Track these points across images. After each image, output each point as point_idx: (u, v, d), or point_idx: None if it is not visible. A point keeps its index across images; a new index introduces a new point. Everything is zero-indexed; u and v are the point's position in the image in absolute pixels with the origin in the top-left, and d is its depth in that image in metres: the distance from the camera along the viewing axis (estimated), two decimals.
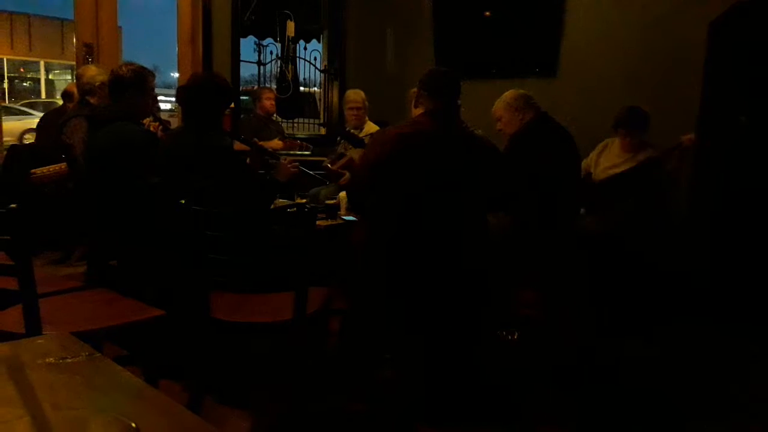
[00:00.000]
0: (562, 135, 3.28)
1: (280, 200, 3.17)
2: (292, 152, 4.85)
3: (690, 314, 3.39)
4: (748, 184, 3.53)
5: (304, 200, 3.39)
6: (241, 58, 5.33)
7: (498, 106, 3.38)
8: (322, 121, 6.33)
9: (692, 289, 3.47)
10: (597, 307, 3.17)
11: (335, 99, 5.95)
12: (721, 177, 3.78)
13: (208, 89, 2.70)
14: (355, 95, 4.42)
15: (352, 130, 4.31)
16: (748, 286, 3.36)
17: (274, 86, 5.93)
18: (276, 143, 4.76)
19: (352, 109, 4.38)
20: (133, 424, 0.67)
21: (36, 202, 3.40)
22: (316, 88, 6.63)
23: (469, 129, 2.83)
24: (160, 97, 3.82)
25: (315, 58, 6.04)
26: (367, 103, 4.38)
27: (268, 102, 4.93)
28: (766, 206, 3.43)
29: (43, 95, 23.18)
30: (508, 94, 3.36)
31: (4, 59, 23.24)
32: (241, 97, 5.69)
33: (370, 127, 4.27)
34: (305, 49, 5.99)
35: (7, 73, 24.06)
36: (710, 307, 3.35)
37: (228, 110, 3.95)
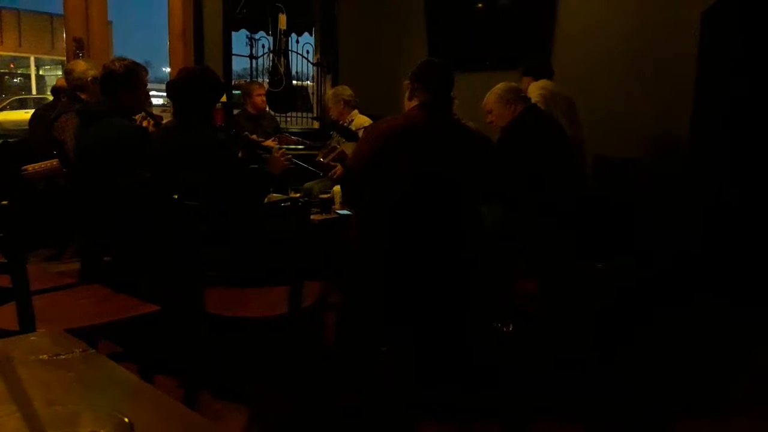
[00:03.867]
0: (552, 126, 3.29)
1: (274, 195, 3.16)
2: (284, 146, 4.82)
3: (684, 304, 3.41)
4: (741, 172, 3.55)
5: (298, 194, 3.38)
6: (233, 52, 5.30)
7: (489, 99, 3.38)
8: (315, 114, 6.31)
9: (687, 280, 3.49)
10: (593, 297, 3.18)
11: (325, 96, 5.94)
12: (714, 166, 3.80)
13: (199, 84, 2.69)
14: (326, 94, 4.46)
15: (343, 123, 4.30)
16: (740, 276, 3.38)
17: (266, 80, 5.89)
18: (269, 144, 4.72)
19: (328, 108, 4.44)
20: (126, 419, 0.67)
21: (28, 198, 3.38)
22: (308, 82, 6.60)
23: (461, 121, 2.83)
24: (151, 92, 3.78)
25: (307, 52, 6.01)
26: (341, 97, 4.34)
27: (259, 98, 4.86)
28: (759, 193, 3.45)
29: (34, 91, 23.00)
30: (499, 87, 3.35)
31: None
32: (234, 92, 5.66)
33: (363, 121, 4.26)
34: (297, 42, 5.96)
35: None
36: (705, 297, 3.38)
37: (220, 104, 3.94)
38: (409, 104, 2.70)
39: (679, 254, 3.73)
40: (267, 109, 5.09)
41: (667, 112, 4.19)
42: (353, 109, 4.37)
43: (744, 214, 3.50)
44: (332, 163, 3.32)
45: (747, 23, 3.56)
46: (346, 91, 4.40)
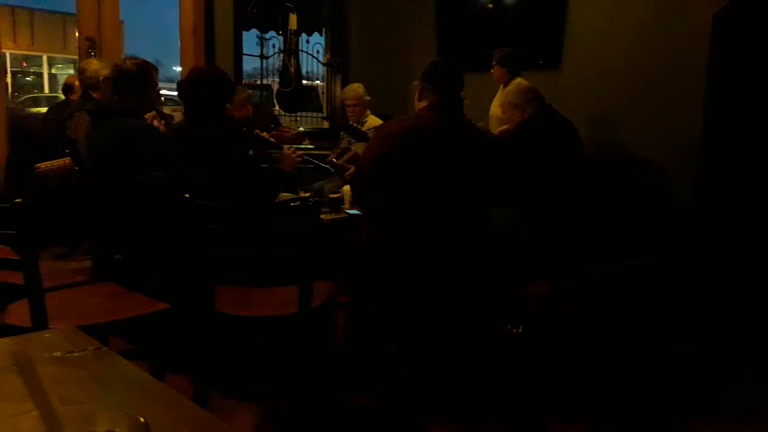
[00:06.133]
0: (563, 127, 3.28)
1: (285, 194, 3.17)
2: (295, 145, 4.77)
3: (693, 306, 3.39)
4: (752, 177, 3.52)
5: (308, 194, 3.39)
6: (244, 52, 5.32)
7: (503, 101, 3.38)
8: (324, 114, 6.32)
9: (695, 283, 3.47)
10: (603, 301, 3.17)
11: (338, 92, 5.94)
12: (724, 169, 3.77)
13: (208, 83, 2.70)
14: (351, 91, 4.40)
15: (354, 124, 4.30)
16: (749, 280, 3.36)
17: (276, 79, 5.91)
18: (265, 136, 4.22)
19: (348, 105, 4.39)
20: (142, 419, 0.67)
21: (41, 196, 3.40)
22: (318, 82, 6.61)
23: (471, 121, 2.82)
24: (162, 91, 3.78)
25: (318, 52, 6.02)
26: (366, 97, 4.35)
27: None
28: None
29: (46, 90, 23.16)
30: (510, 90, 3.36)
31: (7, 54, 23.17)
32: None
33: (373, 121, 4.27)
34: (308, 42, 5.97)
35: (10, 67, 24.05)
36: (712, 300, 3.35)
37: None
38: (419, 105, 2.70)
39: (689, 257, 3.71)
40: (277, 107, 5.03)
41: (679, 114, 4.17)
42: (366, 110, 4.39)
43: (756, 217, 3.48)
44: (346, 165, 3.33)
45: (758, 25, 3.53)
46: (365, 91, 4.39)
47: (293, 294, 2.16)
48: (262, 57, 5.76)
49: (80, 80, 3.73)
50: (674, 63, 4.25)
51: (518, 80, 3.91)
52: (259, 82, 5.99)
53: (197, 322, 2.24)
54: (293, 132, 3.82)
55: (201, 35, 4.99)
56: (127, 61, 2.82)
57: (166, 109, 4.54)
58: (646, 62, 4.39)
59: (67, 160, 3.49)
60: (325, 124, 6.23)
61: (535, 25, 4.98)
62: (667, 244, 3.81)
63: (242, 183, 2.55)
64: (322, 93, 6.42)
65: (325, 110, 6.33)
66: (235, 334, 2.49)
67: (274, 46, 5.79)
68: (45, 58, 24.34)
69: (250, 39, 5.59)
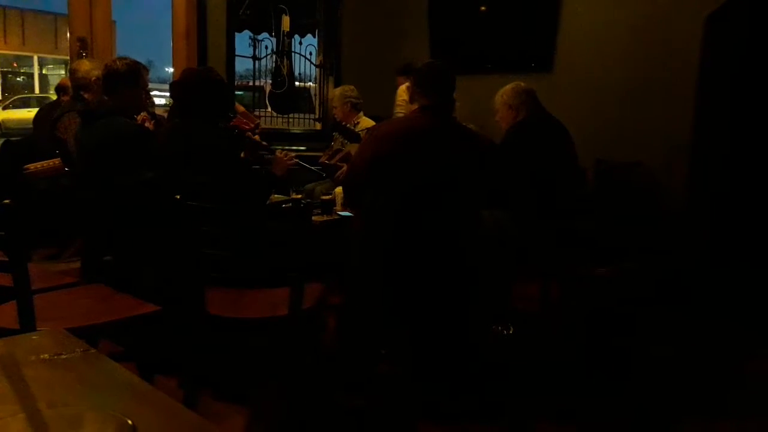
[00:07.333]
0: (556, 129, 3.29)
1: (276, 196, 3.16)
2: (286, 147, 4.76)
3: (686, 309, 3.40)
4: (744, 179, 3.54)
5: (299, 196, 3.38)
6: (236, 53, 5.31)
7: (496, 100, 3.39)
8: (317, 116, 6.31)
9: (689, 284, 3.48)
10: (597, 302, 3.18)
11: (330, 94, 5.93)
12: (717, 172, 3.79)
13: (201, 84, 2.69)
14: (332, 92, 4.42)
15: (347, 124, 4.30)
16: (746, 282, 3.37)
17: (269, 81, 5.90)
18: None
19: (332, 107, 4.42)
20: (130, 422, 0.67)
21: (30, 197, 3.38)
22: (311, 83, 6.60)
23: (462, 123, 2.83)
24: (154, 93, 3.75)
25: (310, 53, 6.01)
26: (347, 98, 4.34)
27: None
28: (763, 201, 3.44)
29: (37, 90, 23.06)
30: (507, 89, 3.35)
31: None
32: (236, 92, 5.66)
33: (366, 122, 4.26)
34: (300, 43, 5.97)
35: (1, 67, 23.93)
36: (707, 302, 3.37)
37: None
38: (411, 107, 2.70)
39: (683, 259, 3.73)
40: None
41: (671, 116, 4.19)
42: (359, 112, 4.37)
43: (747, 218, 3.50)
44: (339, 164, 3.32)
45: (751, 27, 3.55)
46: (353, 93, 4.39)
47: (285, 296, 2.16)
48: (254, 58, 5.75)
49: (72, 81, 3.71)
50: (667, 64, 4.27)
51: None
52: (251, 83, 5.98)
53: (188, 323, 2.23)
54: (251, 125, 3.73)
55: (194, 36, 4.97)
56: (117, 61, 2.81)
57: (158, 110, 4.52)
58: (638, 64, 4.42)
59: (57, 161, 3.47)
60: (318, 126, 6.23)
61: (528, 27, 5.00)
62: (661, 246, 3.83)
63: (233, 185, 2.54)
64: (315, 95, 6.42)
65: (317, 112, 6.33)
66: (226, 335, 2.47)
67: (266, 47, 5.78)
68: (36, 58, 24.23)
69: (242, 40, 5.59)
